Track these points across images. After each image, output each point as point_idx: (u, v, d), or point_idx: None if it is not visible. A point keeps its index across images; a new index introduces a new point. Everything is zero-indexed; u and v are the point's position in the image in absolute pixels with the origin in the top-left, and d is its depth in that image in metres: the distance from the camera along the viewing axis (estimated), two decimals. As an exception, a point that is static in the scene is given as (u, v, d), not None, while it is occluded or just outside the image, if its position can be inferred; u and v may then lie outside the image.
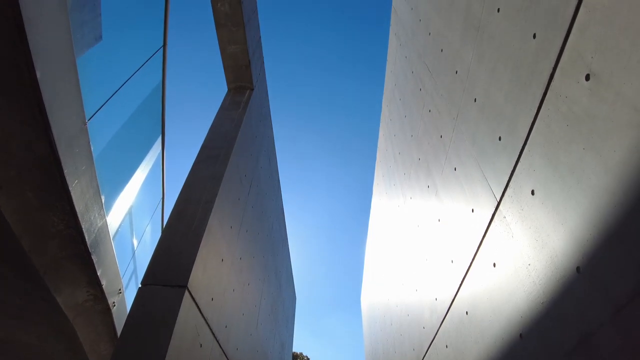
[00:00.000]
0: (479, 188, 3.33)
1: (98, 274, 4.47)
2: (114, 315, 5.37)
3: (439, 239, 4.60)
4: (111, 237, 4.93)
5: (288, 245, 13.56)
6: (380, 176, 10.46)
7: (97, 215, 4.18)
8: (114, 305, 5.29)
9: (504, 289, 2.84)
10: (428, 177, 5.11)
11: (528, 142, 2.55)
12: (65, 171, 3.34)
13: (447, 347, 4.25)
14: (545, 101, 2.38)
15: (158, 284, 3.76)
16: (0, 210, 3.10)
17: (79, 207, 3.72)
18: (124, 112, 5.15)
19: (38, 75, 2.70)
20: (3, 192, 3.09)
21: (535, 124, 2.47)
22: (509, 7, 2.91)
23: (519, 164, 2.66)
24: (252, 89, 7.27)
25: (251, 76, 7.21)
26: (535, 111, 2.47)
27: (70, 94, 3.38)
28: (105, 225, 4.59)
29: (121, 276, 5.69)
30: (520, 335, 2.60)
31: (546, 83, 2.36)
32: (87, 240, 4.00)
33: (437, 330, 4.56)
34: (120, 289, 5.52)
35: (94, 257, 4.27)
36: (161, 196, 7.86)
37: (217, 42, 6.84)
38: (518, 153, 2.67)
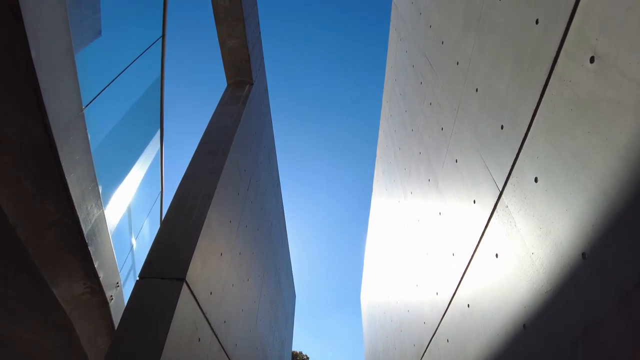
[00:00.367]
0: (480, 179, 3.29)
1: (95, 265, 4.42)
2: (112, 309, 5.33)
3: (439, 233, 4.56)
4: (109, 229, 4.88)
5: (288, 243, 13.52)
6: (381, 173, 10.42)
7: (94, 205, 4.13)
8: (112, 299, 5.24)
9: (507, 279, 2.80)
10: (429, 171, 5.07)
11: (531, 129, 2.51)
12: (61, 158, 3.28)
13: (448, 341, 4.21)
14: (548, 87, 2.34)
15: (156, 277, 3.71)
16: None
17: (75, 195, 3.66)
18: (122, 104, 5.11)
19: (33, 55, 2.64)
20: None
21: (539, 110, 2.43)
22: (511, -7, 2.87)
23: (522, 152, 2.62)
24: (252, 84, 7.23)
25: (251, 71, 7.17)
26: (538, 97, 2.43)
27: (67, 77, 3.32)
28: (103, 216, 4.54)
29: (119, 270, 5.65)
30: (524, 325, 2.56)
31: (549, 68, 2.32)
32: (83, 230, 3.95)
33: (438, 325, 4.52)
34: (118, 283, 5.47)
35: (90, 248, 4.22)
36: (160, 191, 7.82)
37: (217, 38, 6.82)
38: (521, 141, 2.63)
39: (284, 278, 12.38)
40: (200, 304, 4.14)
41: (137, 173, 6.22)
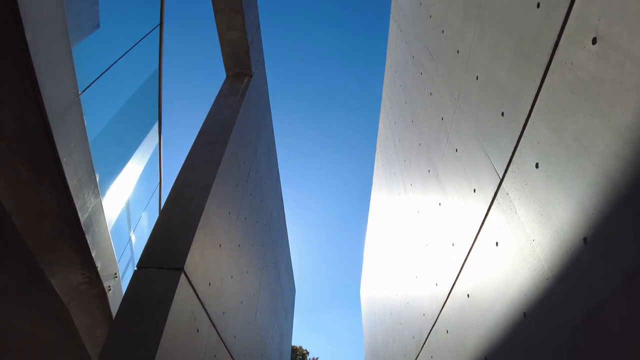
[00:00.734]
0: (481, 167, 3.25)
1: (92, 255, 4.40)
2: (110, 300, 5.32)
3: (439, 223, 4.54)
4: (107, 220, 4.85)
5: (287, 237, 13.50)
6: (380, 166, 10.39)
7: (90, 193, 4.10)
8: (110, 290, 5.22)
9: (507, 267, 2.78)
10: (429, 161, 5.04)
11: (532, 114, 2.48)
12: (57, 144, 3.24)
13: (447, 332, 4.19)
14: (549, 71, 2.30)
15: (154, 267, 3.69)
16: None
17: (71, 182, 3.63)
18: (120, 96, 5.07)
19: (28, 38, 2.60)
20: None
21: (540, 95, 2.40)
22: (513, -23, 2.82)
23: (523, 138, 2.59)
24: (251, 76, 7.18)
25: (250, 62, 7.11)
26: (539, 82, 2.39)
27: (63, 61, 3.27)
28: (100, 205, 4.51)
29: (117, 262, 5.62)
30: (524, 314, 2.54)
31: (550, 52, 2.29)
32: (80, 218, 3.92)
33: (438, 316, 4.51)
34: (116, 274, 5.45)
35: (88, 237, 4.19)
36: (158, 182, 7.79)
37: (216, 31, 6.76)
38: (521, 127, 2.59)
39: (283, 272, 12.38)
40: (199, 294, 4.12)
41: (135, 165, 6.18)
